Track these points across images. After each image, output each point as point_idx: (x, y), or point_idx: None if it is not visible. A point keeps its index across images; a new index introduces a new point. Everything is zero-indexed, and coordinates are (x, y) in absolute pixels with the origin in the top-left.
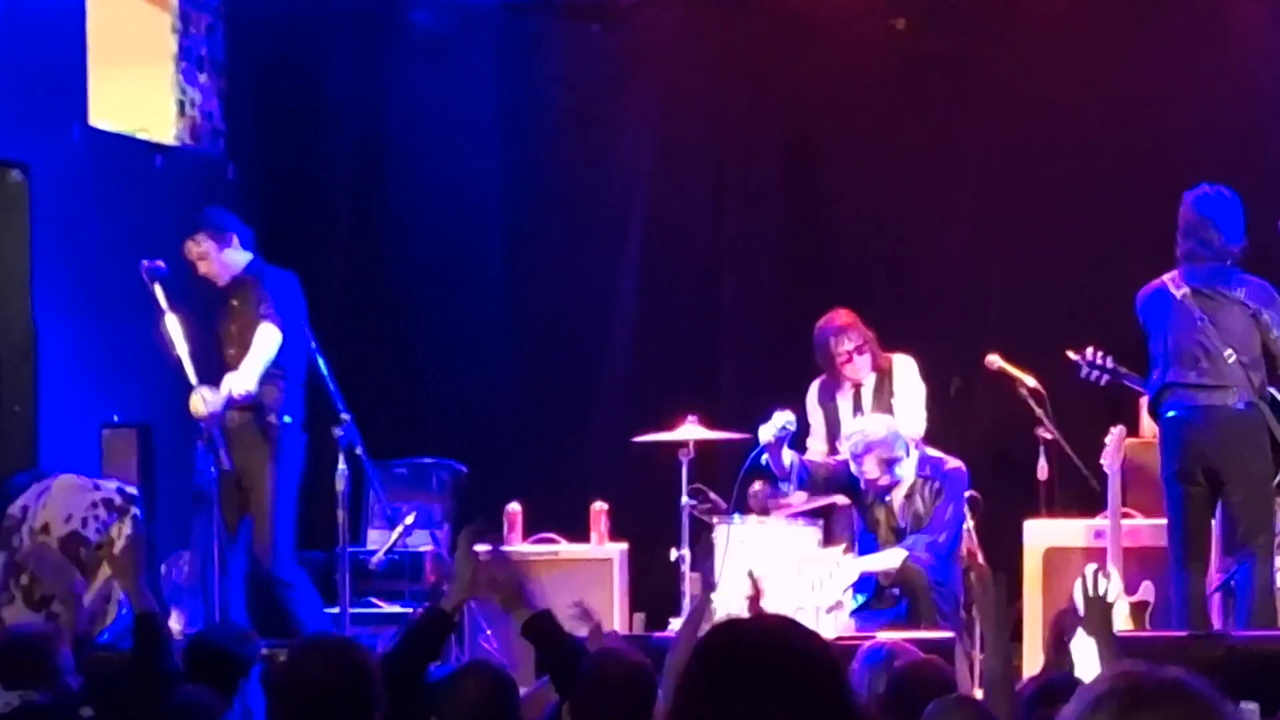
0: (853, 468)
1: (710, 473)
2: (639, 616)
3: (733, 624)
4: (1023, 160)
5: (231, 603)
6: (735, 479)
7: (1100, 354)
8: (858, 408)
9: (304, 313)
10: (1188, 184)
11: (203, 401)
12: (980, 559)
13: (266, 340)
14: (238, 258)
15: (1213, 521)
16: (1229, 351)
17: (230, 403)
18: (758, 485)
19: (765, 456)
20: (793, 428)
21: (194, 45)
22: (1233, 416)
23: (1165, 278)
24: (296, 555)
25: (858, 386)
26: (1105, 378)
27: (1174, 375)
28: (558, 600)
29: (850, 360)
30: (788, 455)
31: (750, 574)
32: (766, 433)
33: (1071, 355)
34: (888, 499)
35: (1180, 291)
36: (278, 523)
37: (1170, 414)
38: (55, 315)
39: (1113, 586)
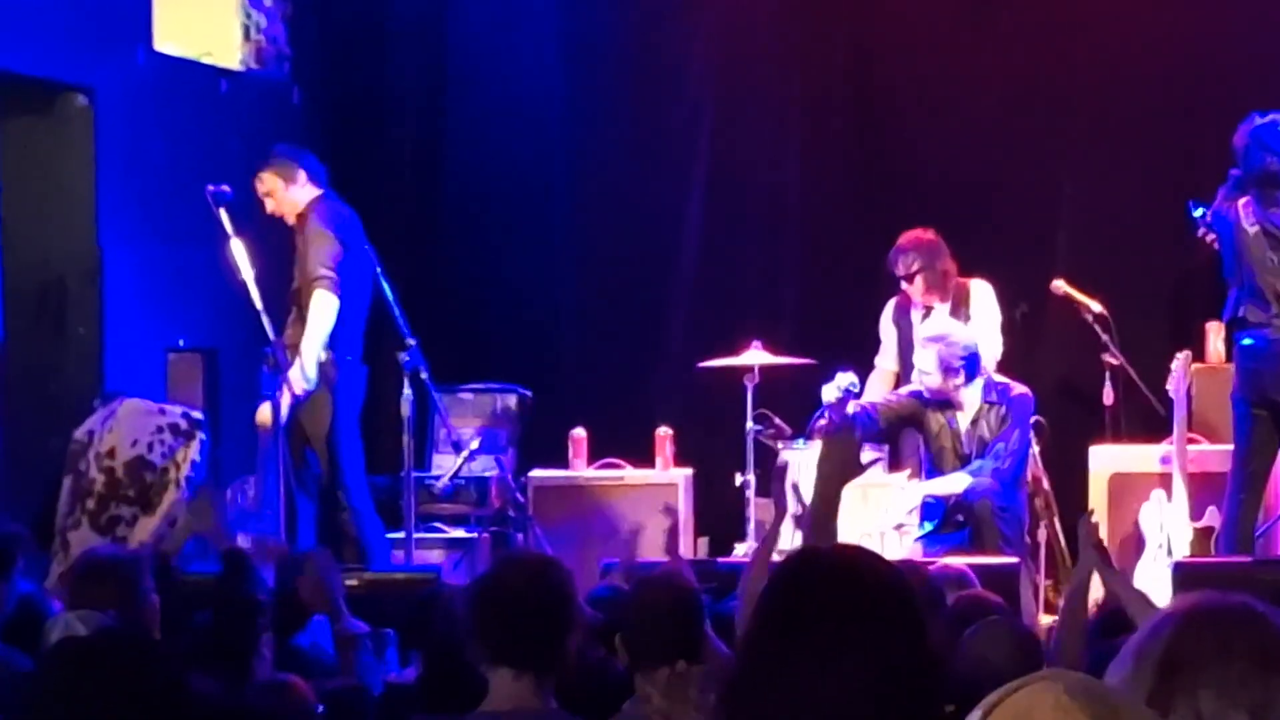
0: (921, 358)
1: (775, 398)
2: (703, 541)
3: (808, 553)
4: (1091, 86)
5: (299, 529)
6: (799, 404)
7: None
8: None
9: (363, 249)
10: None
11: (268, 411)
12: (1046, 484)
13: (322, 313)
14: (302, 195)
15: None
16: None
17: (296, 400)
18: (824, 421)
19: (827, 415)
20: (856, 389)
21: None
22: None
23: (1239, 204)
24: (365, 482)
25: (929, 308)
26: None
27: (1245, 310)
28: (623, 526)
29: (911, 282)
30: (850, 406)
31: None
32: (830, 393)
33: (1194, 209)
34: (954, 424)
35: (1252, 230)
36: (343, 455)
37: (1246, 341)
38: (120, 240)
39: (1178, 511)
